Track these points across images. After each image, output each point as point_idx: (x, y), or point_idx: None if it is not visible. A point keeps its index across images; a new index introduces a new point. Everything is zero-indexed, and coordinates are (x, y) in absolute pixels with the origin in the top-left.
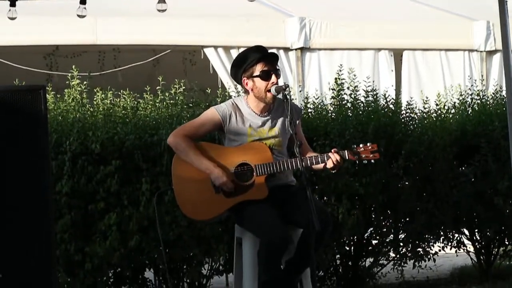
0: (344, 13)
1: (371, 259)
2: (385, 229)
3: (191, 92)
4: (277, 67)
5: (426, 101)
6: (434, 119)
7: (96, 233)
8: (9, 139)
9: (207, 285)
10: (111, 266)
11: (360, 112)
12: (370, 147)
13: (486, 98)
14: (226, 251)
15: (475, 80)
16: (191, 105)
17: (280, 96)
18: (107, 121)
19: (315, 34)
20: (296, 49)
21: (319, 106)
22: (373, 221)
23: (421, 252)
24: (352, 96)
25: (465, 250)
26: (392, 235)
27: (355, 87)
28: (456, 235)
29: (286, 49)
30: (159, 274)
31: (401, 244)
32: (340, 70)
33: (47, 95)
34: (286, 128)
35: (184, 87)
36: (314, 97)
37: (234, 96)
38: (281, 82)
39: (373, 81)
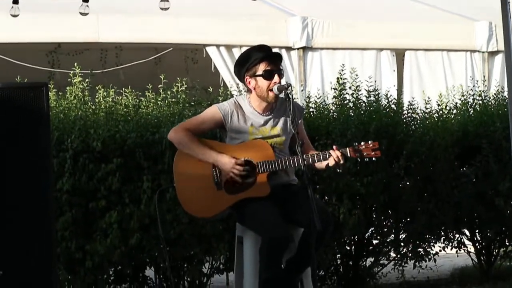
0: (346, 13)
1: (372, 259)
2: (386, 229)
3: (193, 90)
4: (281, 67)
5: (428, 101)
6: (436, 119)
7: (97, 231)
8: (11, 137)
9: (207, 284)
10: (112, 264)
11: (362, 112)
12: (371, 145)
13: (488, 99)
14: (227, 249)
15: (477, 81)
16: (192, 103)
17: (282, 95)
18: (108, 119)
19: (317, 34)
20: (298, 49)
21: (321, 105)
22: (374, 221)
23: (422, 252)
24: (354, 95)
25: (466, 251)
26: (393, 235)
27: (357, 86)
28: (457, 235)
29: (288, 49)
30: (159, 272)
31: (402, 244)
32: (342, 70)
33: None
34: (288, 127)
35: (186, 86)
36: (316, 96)
37: (236, 95)
38: (283, 82)
39: (375, 81)
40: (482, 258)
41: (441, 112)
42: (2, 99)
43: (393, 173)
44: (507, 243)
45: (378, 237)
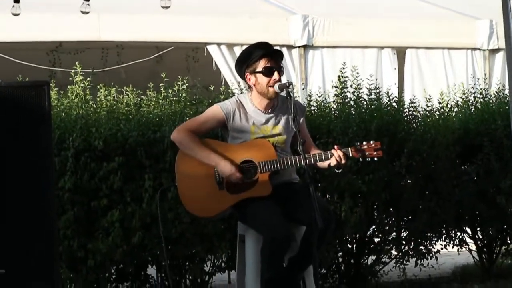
0: (347, 11)
1: (373, 257)
2: (387, 227)
3: (194, 89)
4: (281, 65)
5: (429, 99)
6: (437, 117)
7: (98, 230)
8: (12, 135)
9: (209, 282)
10: (114, 263)
11: (363, 110)
12: (373, 145)
13: (489, 97)
14: (229, 248)
15: (478, 79)
16: (194, 102)
17: (283, 93)
18: (110, 118)
19: (318, 32)
20: (299, 47)
21: (322, 104)
22: (375, 219)
23: (423, 250)
24: (355, 94)
25: (467, 249)
26: (394, 233)
27: (358, 85)
28: (458, 233)
29: (289, 47)
30: (161, 271)
31: (403, 242)
32: (343, 68)
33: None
34: (290, 125)
35: (187, 84)
36: (317, 95)
37: (237, 94)
38: (284, 80)
39: (376, 79)
40: (483, 256)
41: (442, 110)
42: (4, 98)
43: (394, 171)
44: (509, 241)
45: (380, 235)
